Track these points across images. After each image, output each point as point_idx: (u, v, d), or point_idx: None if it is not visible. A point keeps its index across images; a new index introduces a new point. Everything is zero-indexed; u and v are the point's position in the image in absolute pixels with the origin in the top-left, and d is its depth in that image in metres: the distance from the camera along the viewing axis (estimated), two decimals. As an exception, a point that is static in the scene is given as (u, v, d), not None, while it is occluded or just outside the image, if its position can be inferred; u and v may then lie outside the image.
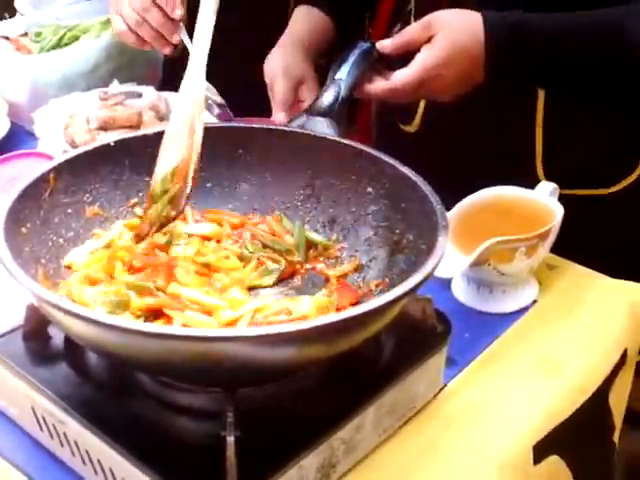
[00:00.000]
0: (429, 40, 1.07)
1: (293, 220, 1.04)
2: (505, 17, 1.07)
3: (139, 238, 0.96)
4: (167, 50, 1.40)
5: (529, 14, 1.09)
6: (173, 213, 0.95)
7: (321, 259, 1.02)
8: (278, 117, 1.23)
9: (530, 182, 1.17)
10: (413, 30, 1.09)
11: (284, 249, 1.01)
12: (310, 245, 1.02)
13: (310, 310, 0.89)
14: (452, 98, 1.12)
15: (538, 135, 1.26)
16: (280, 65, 1.28)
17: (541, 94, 1.23)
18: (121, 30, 1.41)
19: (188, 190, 0.95)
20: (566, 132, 1.25)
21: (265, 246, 1.01)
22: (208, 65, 1.07)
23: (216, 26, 1.02)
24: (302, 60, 1.30)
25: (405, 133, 1.40)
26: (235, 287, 0.93)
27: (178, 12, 1.36)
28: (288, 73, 1.26)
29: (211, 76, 1.53)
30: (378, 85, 1.09)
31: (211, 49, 1.02)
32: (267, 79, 1.29)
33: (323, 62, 1.35)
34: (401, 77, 1.07)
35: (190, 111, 0.96)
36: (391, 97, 1.10)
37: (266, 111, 1.30)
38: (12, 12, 1.84)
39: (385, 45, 1.10)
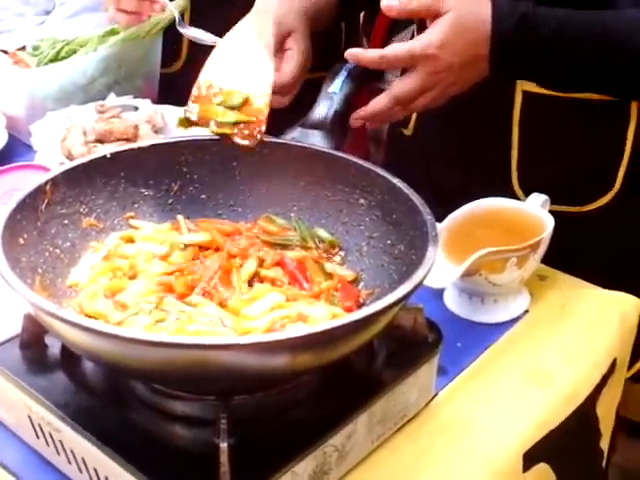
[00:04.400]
0: (436, 18, 1.05)
1: (285, 218, 1.05)
2: (515, 7, 1.06)
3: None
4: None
5: (539, 7, 1.07)
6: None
7: (324, 255, 1.02)
8: None
9: (507, 196, 1.18)
10: (426, 1, 1.06)
11: (296, 241, 1.02)
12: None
13: (326, 316, 0.89)
14: (456, 90, 1.10)
15: (514, 148, 1.27)
16: (272, 13, 1.25)
17: (517, 108, 1.24)
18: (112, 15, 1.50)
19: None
20: (541, 147, 1.26)
21: (273, 244, 1.02)
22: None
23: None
24: (296, 14, 1.25)
25: (405, 135, 1.42)
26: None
27: None
28: (278, 22, 1.22)
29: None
30: (372, 53, 1.07)
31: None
32: None
33: (320, 30, 1.33)
34: (396, 46, 1.06)
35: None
36: (384, 65, 1.08)
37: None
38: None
39: (392, 6, 1.07)
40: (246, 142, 1.04)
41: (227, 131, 1.04)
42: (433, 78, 1.06)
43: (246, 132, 1.04)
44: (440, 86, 1.08)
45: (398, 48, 1.06)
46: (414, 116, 1.38)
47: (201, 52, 1.68)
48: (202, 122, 1.05)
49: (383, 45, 1.65)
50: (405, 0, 1.07)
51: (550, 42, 1.08)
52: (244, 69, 1.09)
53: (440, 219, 1.08)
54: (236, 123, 1.04)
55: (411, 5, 1.07)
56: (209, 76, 1.09)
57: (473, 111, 1.21)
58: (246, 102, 1.05)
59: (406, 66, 1.07)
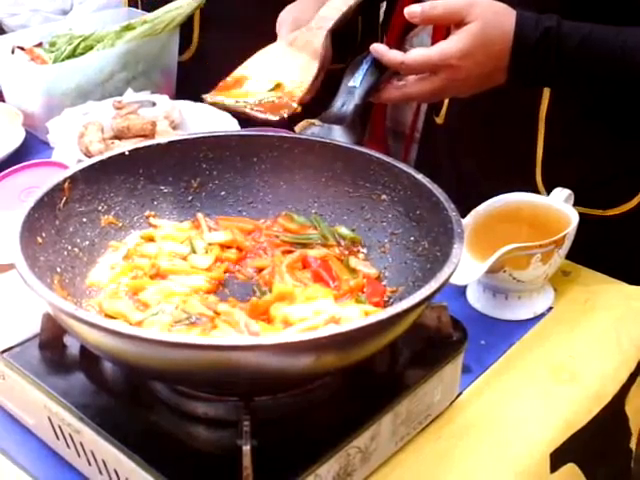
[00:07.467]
0: (459, 25, 1.04)
1: (306, 215, 1.04)
2: (539, 20, 1.04)
3: None
4: None
5: (564, 21, 1.05)
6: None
7: (346, 252, 1.01)
8: None
9: (529, 191, 1.17)
10: (450, 9, 1.04)
11: (317, 239, 1.01)
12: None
13: (358, 315, 0.88)
14: (468, 94, 1.10)
15: (539, 144, 1.25)
16: (290, 14, 1.27)
17: (544, 103, 1.22)
18: None
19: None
20: (567, 145, 1.24)
21: (294, 244, 1.01)
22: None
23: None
24: (313, 13, 1.26)
25: (436, 124, 1.41)
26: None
27: None
28: (295, 22, 1.24)
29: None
30: (394, 56, 1.06)
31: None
32: (277, 29, 1.27)
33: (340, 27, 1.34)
34: (417, 53, 1.05)
35: None
36: (404, 71, 1.07)
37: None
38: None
39: (414, 12, 1.06)
40: (266, 115, 1.02)
41: (243, 106, 1.03)
42: (448, 84, 1.06)
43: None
44: (453, 91, 1.09)
45: (419, 55, 1.05)
46: (445, 104, 1.37)
47: (212, 41, 1.69)
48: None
49: (401, 37, 1.63)
50: (428, 7, 1.05)
51: (572, 58, 1.05)
52: (281, 65, 1.10)
53: (462, 211, 1.07)
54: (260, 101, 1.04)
55: (435, 11, 1.05)
56: (242, 71, 1.08)
57: (501, 103, 1.20)
58: (278, 87, 1.04)
59: (425, 72, 1.06)
